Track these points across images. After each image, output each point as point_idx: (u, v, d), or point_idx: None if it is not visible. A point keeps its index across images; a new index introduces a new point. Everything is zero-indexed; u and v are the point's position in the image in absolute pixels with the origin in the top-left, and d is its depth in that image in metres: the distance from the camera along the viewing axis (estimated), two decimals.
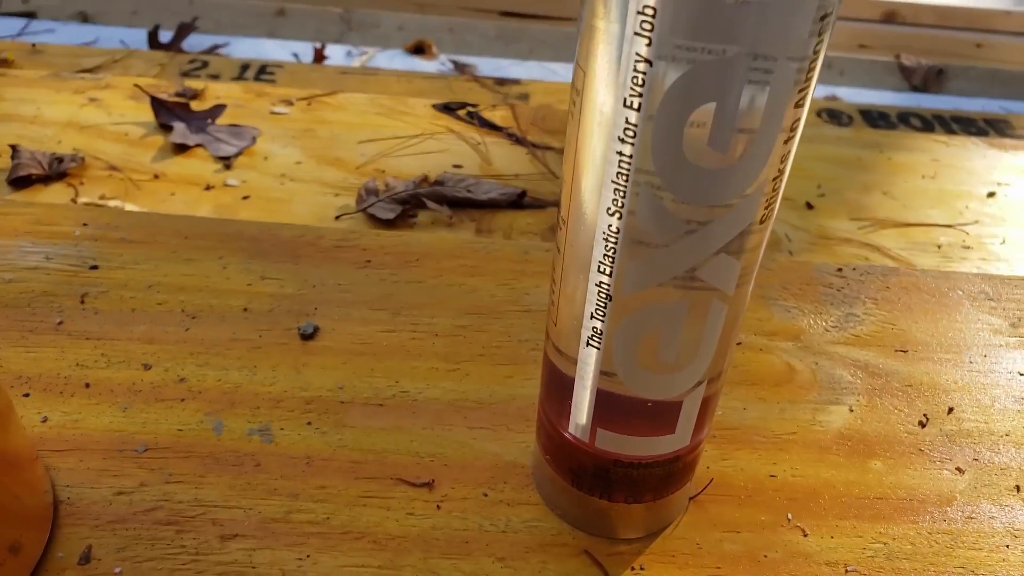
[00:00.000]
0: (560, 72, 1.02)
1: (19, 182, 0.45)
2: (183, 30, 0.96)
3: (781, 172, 0.16)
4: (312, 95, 0.57)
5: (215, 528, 0.21)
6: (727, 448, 0.24)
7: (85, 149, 0.49)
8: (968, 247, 0.47)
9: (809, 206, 0.50)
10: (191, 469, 0.22)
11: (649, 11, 0.13)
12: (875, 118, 0.78)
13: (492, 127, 0.53)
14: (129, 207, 0.43)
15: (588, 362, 0.18)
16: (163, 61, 0.77)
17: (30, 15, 1.03)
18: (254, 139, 0.50)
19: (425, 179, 0.48)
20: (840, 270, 0.31)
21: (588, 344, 0.18)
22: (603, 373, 0.18)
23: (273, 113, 0.54)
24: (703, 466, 0.23)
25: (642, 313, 0.17)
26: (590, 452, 0.20)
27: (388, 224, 0.44)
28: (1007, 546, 0.22)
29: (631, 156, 0.15)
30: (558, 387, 0.20)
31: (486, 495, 0.22)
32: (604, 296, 0.17)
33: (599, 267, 0.16)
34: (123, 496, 0.22)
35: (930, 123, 0.79)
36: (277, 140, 0.51)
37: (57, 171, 0.46)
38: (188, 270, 0.29)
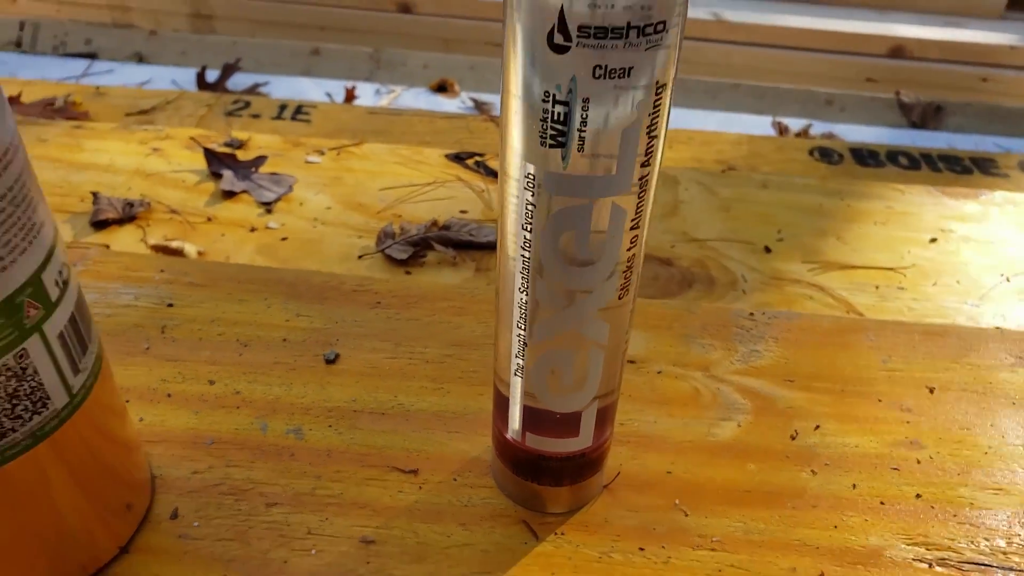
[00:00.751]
0: None
1: (99, 224, 0.55)
2: (228, 70, 1.06)
3: (628, 269, 0.24)
4: (341, 145, 0.67)
5: (261, 498, 0.30)
6: (637, 451, 0.32)
7: (150, 195, 0.59)
8: (903, 288, 0.54)
9: (767, 250, 0.58)
10: (244, 457, 0.31)
11: (529, 176, 0.22)
12: (864, 156, 0.86)
13: (496, 175, 0.62)
14: (187, 247, 0.52)
15: (516, 387, 0.27)
16: (210, 102, 0.87)
17: (92, 56, 1.14)
18: (291, 187, 0.60)
19: (435, 223, 0.57)
20: (751, 314, 0.39)
21: (515, 374, 0.26)
22: (526, 394, 0.27)
23: (307, 162, 0.64)
24: (617, 463, 0.32)
25: (547, 355, 0.25)
26: (523, 449, 0.28)
27: (402, 263, 0.53)
28: (835, 527, 0.30)
29: (528, 258, 0.23)
30: (501, 403, 0.28)
31: (455, 480, 0.31)
32: (521, 343, 0.25)
33: (517, 324, 0.25)
34: (197, 474, 0.31)
35: (917, 161, 0.86)
36: (311, 187, 0.60)
37: (129, 215, 0.56)
38: (241, 308, 0.38)
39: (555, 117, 0.20)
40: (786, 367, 0.36)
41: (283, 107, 0.86)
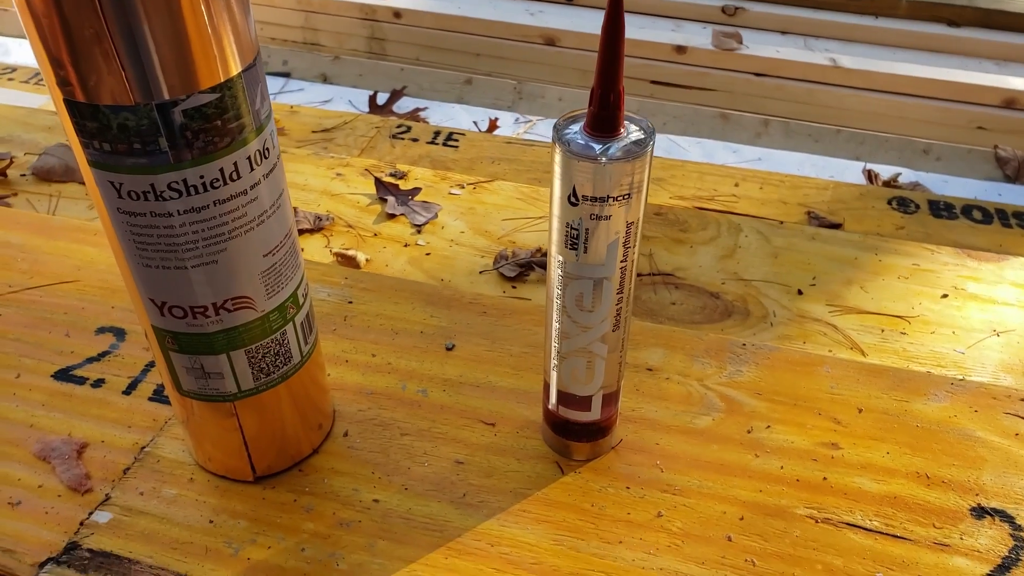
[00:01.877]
0: (683, 145, 1.25)
1: (298, 232, 0.76)
2: (395, 95, 1.28)
3: (618, 314, 0.41)
4: (477, 181, 0.86)
5: (398, 430, 0.49)
6: (638, 428, 0.49)
7: (333, 211, 0.80)
8: (904, 333, 0.68)
9: (799, 292, 0.72)
10: (390, 404, 0.50)
11: (559, 261, 0.39)
12: (940, 208, 0.97)
13: None
14: (359, 255, 0.73)
15: (553, 378, 0.44)
16: (379, 125, 1.09)
17: (286, 75, 1.39)
18: (437, 213, 0.79)
19: (539, 250, 0.75)
20: (744, 344, 0.55)
21: (552, 370, 0.44)
22: (558, 382, 0.44)
23: (451, 194, 0.83)
24: (623, 433, 0.49)
25: (569, 361, 0.43)
26: (558, 416, 0.46)
27: (510, 279, 0.72)
28: (760, 491, 0.46)
29: (558, 305, 0.41)
30: (545, 387, 0.46)
31: (518, 432, 0.49)
32: (555, 353, 0.43)
33: (552, 342, 0.42)
34: (360, 411, 0.50)
35: (991, 216, 0.97)
36: (451, 215, 0.79)
37: (318, 226, 0.77)
38: (395, 308, 0.57)
39: (572, 235, 0.38)
40: (757, 384, 0.52)
41: (437, 133, 1.06)
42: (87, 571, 0.41)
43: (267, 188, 0.37)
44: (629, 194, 0.37)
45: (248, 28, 0.34)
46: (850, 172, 1.19)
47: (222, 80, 0.33)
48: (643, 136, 0.37)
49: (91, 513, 0.44)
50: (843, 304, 0.71)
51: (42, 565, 0.41)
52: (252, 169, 0.36)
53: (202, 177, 0.34)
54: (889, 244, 0.79)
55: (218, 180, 0.35)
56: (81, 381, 0.51)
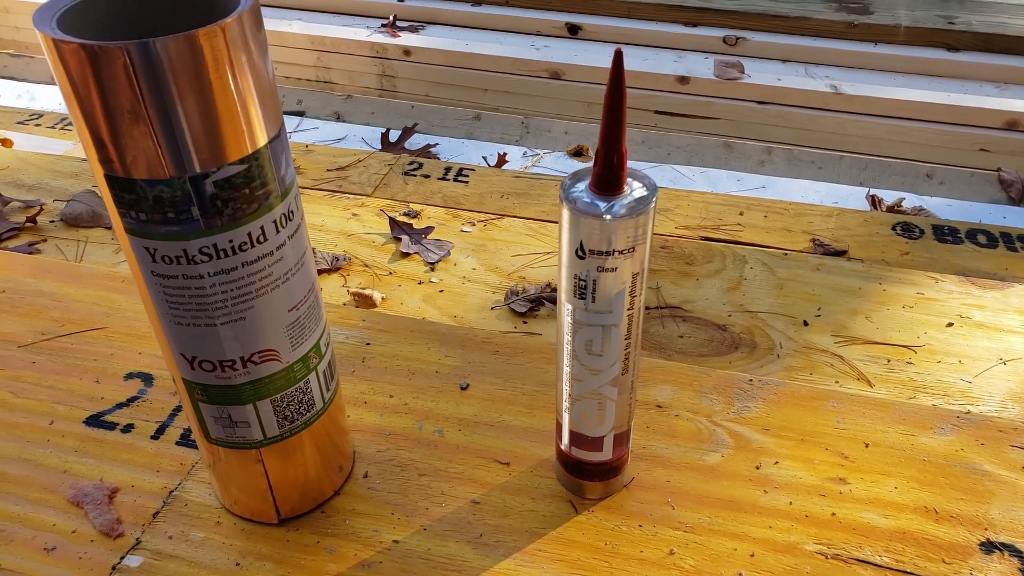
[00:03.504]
0: (687, 174, 1.27)
1: None
2: (406, 132, 1.31)
3: (626, 359, 0.43)
4: (487, 219, 0.88)
5: (415, 470, 0.51)
6: (650, 465, 0.51)
7: (349, 251, 0.82)
8: (911, 363, 0.69)
9: (805, 323, 0.74)
10: (408, 445, 0.52)
11: (568, 309, 0.41)
12: (944, 233, 0.98)
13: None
14: (375, 293, 0.75)
15: (565, 419, 0.46)
16: (391, 162, 1.11)
17: (301, 113, 1.42)
18: (449, 251, 0.81)
19: (548, 285, 0.77)
20: (750, 380, 0.56)
21: (564, 411, 0.46)
22: (570, 423, 0.46)
23: (462, 231, 0.85)
24: (635, 471, 0.50)
25: (580, 403, 0.44)
26: (570, 456, 0.48)
27: (521, 315, 0.74)
28: (770, 527, 0.47)
29: (568, 350, 0.42)
30: (558, 427, 0.47)
31: (532, 471, 0.50)
32: (566, 395, 0.45)
33: (563, 384, 0.44)
34: (379, 452, 0.52)
35: (996, 240, 0.98)
36: (463, 252, 0.81)
37: (335, 266, 0.79)
38: (411, 349, 0.59)
39: (580, 286, 0.40)
40: (765, 420, 0.53)
41: (448, 169, 1.09)
42: None
43: (291, 248, 0.39)
44: (633, 247, 0.38)
45: (274, 102, 0.36)
46: (854, 198, 1.21)
47: (250, 152, 0.35)
48: (646, 193, 0.39)
49: (122, 558, 0.46)
50: (849, 334, 0.73)
51: None
52: (278, 232, 0.38)
53: (231, 241, 0.36)
54: (894, 273, 0.80)
55: (246, 243, 0.37)
56: (111, 427, 0.54)
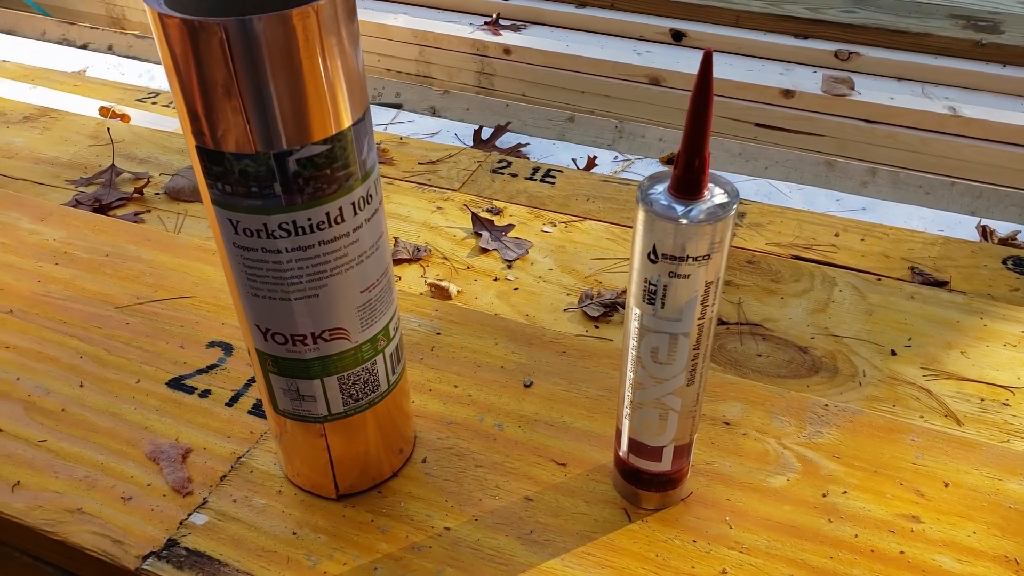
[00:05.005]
0: (784, 191, 1.24)
1: (396, 262, 0.80)
2: (498, 131, 1.32)
3: (693, 369, 0.42)
4: (569, 220, 0.87)
5: (472, 461, 0.51)
6: (711, 482, 0.50)
7: (431, 243, 0.83)
8: (1007, 404, 0.65)
9: (893, 353, 0.71)
10: (467, 435, 0.53)
11: (636, 314, 0.40)
12: None
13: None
14: (451, 286, 0.76)
15: (625, 426, 0.45)
16: (481, 159, 1.12)
17: (398, 106, 1.45)
18: (527, 250, 0.81)
19: (624, 291, 0.76)
20: (826, 406, 0.54)
21: (625, 418, 0.45)
22: (630, 431, 0.45)
23: (543, 231, 0.85)
24: (694, 486, 0.49)
25: (641, 411, 0.44)
26: (628, 464, 0.47)
27: (593, 319, 0.73)
28: (831, 558, 0.45)
29: (633, 356, 0.42)
30: (617, 433, 0.47)
31: (588, 474, 0.50)
32: (628, 402, 0.44)
33: (626, 391, 0.44)
34: (439, 440, 0.52)
35: None
36: (541, 252, 0.82)
37: (416, 256, 0.81)
38: (479, 342, 0.60)
39: (650, 291, 0.39)
40: (837, 447, 0.51)
41: (536, 169, 1.09)
42: (182, 568, 0.45)
43: (368, 231, 0.40)
44: (709, 255, 0.38)
45: (360, 85, 0.37)
46: (962, 227, 1.15)
47: (333, 133, 0.36)
48: (727, 199, 0.38)
49: (189, 514, 0.48)
50: (940, 369, 0.69)
51: (145, 558, 0.45)
52: (356, 213, 0.39)
53: (310, 219, 0.37)
54: (997, 308, 0.76)
55: (324, 223, 0.38)
56: (191, 391, 0.56)
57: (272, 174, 0.35)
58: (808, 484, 0.49)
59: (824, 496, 0.49)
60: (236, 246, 0.38)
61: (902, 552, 0.46)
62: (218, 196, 0.37)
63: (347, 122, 0.37)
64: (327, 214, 0.38)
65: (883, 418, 0.54)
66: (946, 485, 0.49)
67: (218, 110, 0.34)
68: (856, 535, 0.47)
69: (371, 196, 0.40)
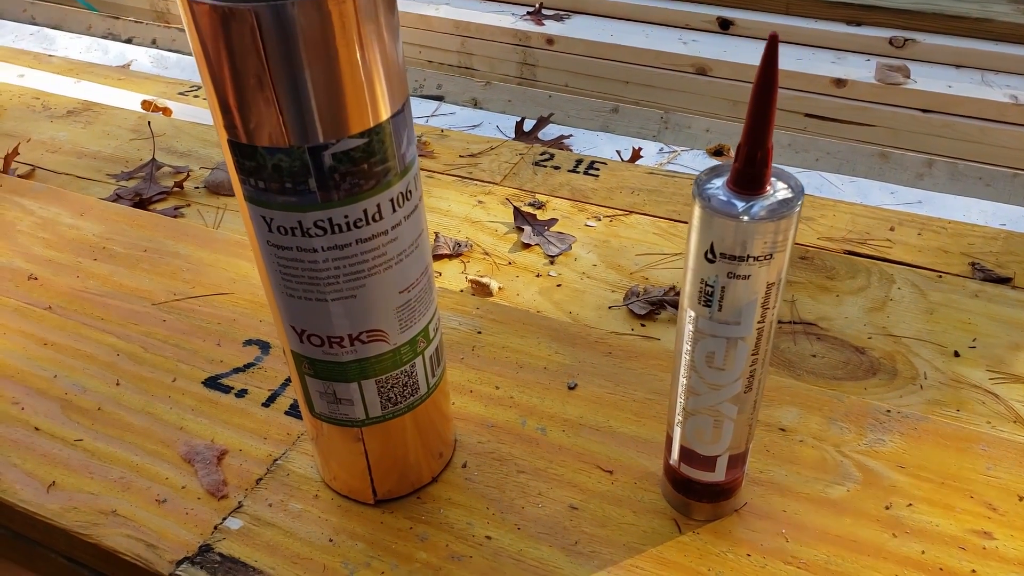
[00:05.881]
0: (835, 183, 1.20)
1: (436, 257, 0.78)
2: (541, 122, 1.29)
3: (751, 376, 0.39)
4: (614, 214, 0.85)
5: (515, 466, 0.49)
6: (766, 492, 0.47)
7: (472, 238, 0.81)
8: None
9: (956, 354, 0.67)
10: (509, 439, 0.51)
11: (691, 316, 0.38)
12: None
13: None
14: (492, 282, 0.74)
15: (676, 433, 0.43)
16: (523, 151, 1.10)
17: (440, 98, 1.43)
18: (571, 245, 0.79)
19: (672, 288, 0.73)
20: (888, 411, 0.51)
21: (676, 425, 0.43)
22: (681, 438, 0.43)
23: (586, 225, 0.83)
24: (749, 496, 0.47)
25: (695, 418, 0.41)
26: (679, 473, 0.45)
27: (639, 317, 0.71)
28: (884, 560, 0.43)
29: (687, 361, 0.39)
30: (668, 441, 0.45)
31: (636, 483, 0.48)
32: (680, 408, 0.42)
33: (679, 396, 0.41)
34: (480, 443, 0.50)
35: None
36: (585, 247, 0.79)
37: (457, 252, 0.79)
38: (522, 342, 0.58)
39: (707, 292, 0.37)
40: (901, 456, 0.48)
41: (579, 161, 1.06)
42: (216, 574, 0.44)
43: (408, 228, 0.38)
44: (771, 254, 0.35)
45: (399, 76, 0.35)
46: None
47: (371, 126, 0.34)
48: (790, 195, 0.35)
49: (224, 519, 0.47)
50: (1008, 371, 0.65)
51: (179, 563, 0.44)
52: (394, 211, 0.37)
53: (346, 217, 0.35)
54: None
55: (361, 220, 0.36)
56: (227, 390, 0.55)
57: (307, 169, 0.34)
58: (870, 496, 0.47)
59: (887, 509, 0.46)
60: (270, 244, 0.37)
61: (973, 571, 0.43)
62: (251, 192, 0.35)
63: (385, 114, 0.35)
64: (364, 211, 0.36)
65: (950, 425, 0.51)
66: (1020, 498, 0.46)
67: (250, 102, 0.32)
68: (923, 552, 0.44)
69: (411, 192, 0.38)
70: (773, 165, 0.35)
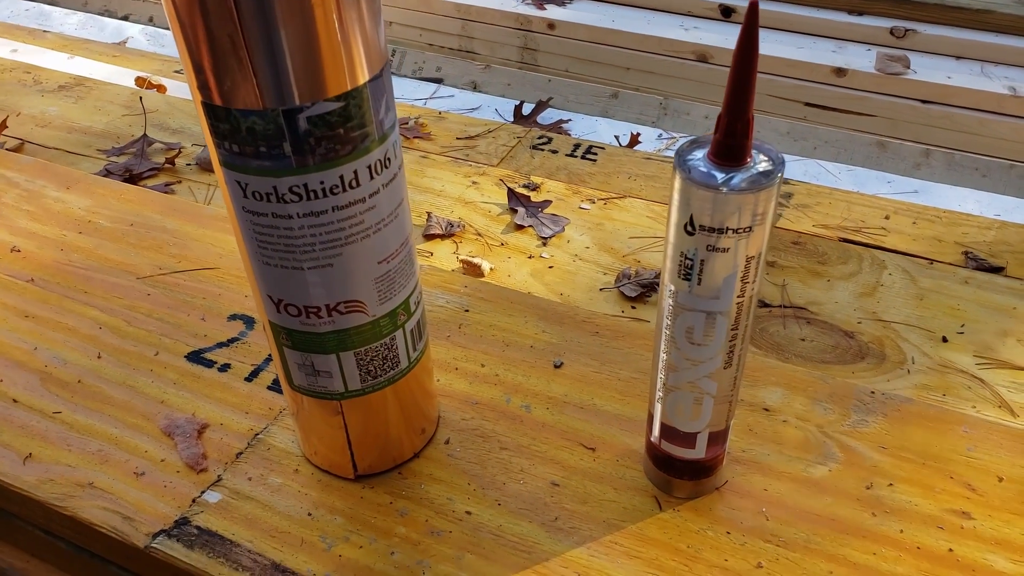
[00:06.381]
0: (832, 171, 1.19)
1: (428, 237, 0.78)
2: (540, 106, 1.29)
3: (731, 351, 0.39)
4: (608, 196, 0.84)
5: (497, 443, 0.49)
6: (747, 470, 0.47)
7: (465, 218, 0.81)
8: None
9: (944, 339, 0.67)
10: (493, 416, 0.50)
11: (671, 291, 0.38)
12: None
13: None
14: (484, 263, 0.73)
15: (657, 410, 0.43)
16: (520, 135, 1.09)
17: (439, 80, 1.43)
18: (564, 227, 0.79)
19: None
20: (872, 393, 0.51)
21: (657, 402, 0.42)
22: (662, 415, 0.42)
23: (580, 208, 0.82)
24: (730, 475, 0.46)
25: (675, 394, 0.41)
26: (660, 450, 0.44)
27: (630, 299, 0.70)
28: (874, 554, 0.42)
29: (667, 335, 0.39)
30: (649, 417, 0.44)
31: (618, 460, 0.47)
32: (661, 384, 0.41)
33: (659, 372, 0.41)
34: (464, 420, 0.50)
35: None
36: (578, 229, 0.79)
37: (449, 232, 0.78)
38: (509, 320, 0.57)
39: (686, 265, 0.36)
40: (883, 437, 0.48)
41: (576, 146, 1.05)
42: (193, 547, 0.43)
43: (386, 197, 0.38)
44: (751, 227, 0.35)
45: (378, 39, 0.35)
46: (1020, 211, 1.09)
47: (348, 89, 0.34)
48: (771, 167, 0.35)
49: (203, 492, 0.46)
50: (994, 357, 0.65)
51: (155, 536, 0.44)
52: (372, 178, 0.37)
53: (323, 183, 0.35)
54: None
55: (338, 187, 0.35)
56: (210, 364, 0.55)
57: (281, 133, 0.33)
58: (851, 475, 0.46)
59: (868, 488, 0.46)
60: (245, 210, 0.36)
61: (951, 550, 0.42)
62: (226, 156, 0.35)
63: (363, 78, 0.34)
64: (341, 177, 0.35)
65: (933, 407, 0.50)
66: (1000, 480, 0.46)
67: (222, 62, 0.31)
68: (902, 531, 0.43)
69: (390, 160, 0.37)
70: (754, 138, 0.35)
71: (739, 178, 0.34)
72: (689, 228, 0.35)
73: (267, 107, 0.32)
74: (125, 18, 1.69)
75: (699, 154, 0.35)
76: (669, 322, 0.39)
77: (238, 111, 0.33)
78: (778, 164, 0.35)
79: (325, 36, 0.32)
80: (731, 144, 0.34)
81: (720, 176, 0.34)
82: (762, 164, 0.35)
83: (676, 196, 0.35)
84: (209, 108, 0.33)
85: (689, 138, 0.35)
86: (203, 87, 0.33)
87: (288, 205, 0.35)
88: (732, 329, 0.38)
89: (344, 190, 0.36)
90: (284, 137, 0.33)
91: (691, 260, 0.36)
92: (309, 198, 0.35)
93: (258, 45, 0.31)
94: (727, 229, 0.35)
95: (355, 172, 0.36)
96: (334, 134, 0.34)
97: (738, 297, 0.37)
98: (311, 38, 0.32)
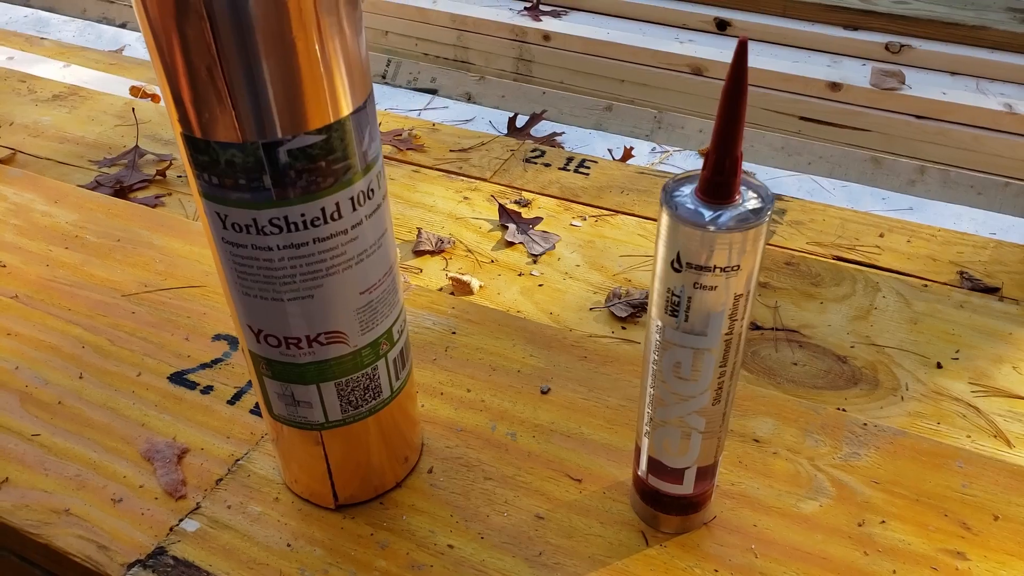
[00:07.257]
0: (827, 187, 1.19)
1: (418, 253, 0.77)
2: (534, 119, 1.28)
3: (719, 388, 0.38)
4: (599, 214, 0.84)
5: (482, 473, 0.48)
6: (736, 505, 0.46)
7: (455, 234, 0.80)
8: None
9: (939, 365, 0.66)
10: (478, 445, 0.50)
11: (658, 326, 0.37)
12: None
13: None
14: (473, 280, 0.73)
15: (644, 443, 0.42)
16: (514, 147, 1.09)
17: (434, 91, 1.42)
18: (554, 244, 0.78)
19: None
20: (864, 424, 0.50)
21: (644, 435, 0.42)
22: (649, 449, 0.42)
23: (571, 225, 0.81)
24: (719, 509, 0.45)
25: (662, 429, 0.40)
26: (647, 484, 0.43)
27: (620, 319, 0.69)
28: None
29: (654, 370, 0.38)
30: (636, 451, 0.43)
31: (604, 492, 0.47)
32: (648, 419, 0.40)
33: (646, 406, 0.40)
34: (448, 448, 0.49)
35: None
36: (569, 247, 0.78)
37: (439, 248, 0.78)
38: (496, 344, 0.56)
39: (673, 302, 0.36)
40: (875, 471, 0.47)
41: (570, 159, 1.05)
42: None
43: (370, 227, 0.37)
44: (739, 266, 0.34)
45: (361, 70, 0.34)
46: (1016, 230, 1.09)
47: (331, 122, 0.33)
48: (760, 205, 0.34)
49: (181, 520, 0.46)
50: (990, 384, 0.64)
51: (130, 567, 0.43)
52: (355, 209, 0.36)
53: (303, 215, 0.34)
54: None
55: (319, 219, 0.35)
56: (192, 386, 0.54)
57: (261, 165, 0.32)
58: (843, 511, 0.46)
59: (860, 525, 0.45)
60: (225, 241, 0.36)
61: None
62: (205, 188, 0.34)
63: (346, 110, 0.34)
64: (323, 209, 0.35)
65: (927, 440, 0.50)
66: (996, 518, 0.45)
67: (201, 95, 0.31)
68: (894, 571, 0.43)
69: (373, 191, 0.37)
70: (744, 172, 0.34)
71: (727, 216, 0.33)
72: (676, 265, 0.35)
73: (247, 140, 0.32)
74: (123, 26, 1.68)
75: (686, 191, 0.35)
76: (656, 357, 0.38)
77: (217, 143, 0.32)
78: (767, 201, 0.34)
79: (307, 68, 0.31)
80: (719, 181, 0.33)
81: (708, 214, 0.33)
82: (751, 201, 0.34)
83: (663, 232, 0.35)
84: (189, 140, 0.33)
85: (679, 173, 0.34)
86: (182, 119, 0.32)
87: (268, 237, 0.35)
88: (720, 366, 0.37)
89: (326, 222, 0.35)
90: (264, 170, 0.33)
91: (678, 297, 0.35)
92: (290, 230, 0.35)
93: (237, 78, 0.30)
94: (714, 267, 0.34)
95: (337, 204, 0.35)
96: (315, 167, 0.33)
97: (726, 334, 0.36)
98: (292, 70, 0.31)
